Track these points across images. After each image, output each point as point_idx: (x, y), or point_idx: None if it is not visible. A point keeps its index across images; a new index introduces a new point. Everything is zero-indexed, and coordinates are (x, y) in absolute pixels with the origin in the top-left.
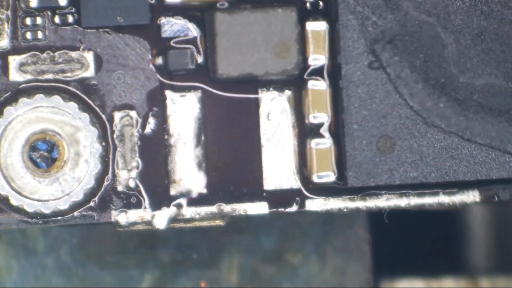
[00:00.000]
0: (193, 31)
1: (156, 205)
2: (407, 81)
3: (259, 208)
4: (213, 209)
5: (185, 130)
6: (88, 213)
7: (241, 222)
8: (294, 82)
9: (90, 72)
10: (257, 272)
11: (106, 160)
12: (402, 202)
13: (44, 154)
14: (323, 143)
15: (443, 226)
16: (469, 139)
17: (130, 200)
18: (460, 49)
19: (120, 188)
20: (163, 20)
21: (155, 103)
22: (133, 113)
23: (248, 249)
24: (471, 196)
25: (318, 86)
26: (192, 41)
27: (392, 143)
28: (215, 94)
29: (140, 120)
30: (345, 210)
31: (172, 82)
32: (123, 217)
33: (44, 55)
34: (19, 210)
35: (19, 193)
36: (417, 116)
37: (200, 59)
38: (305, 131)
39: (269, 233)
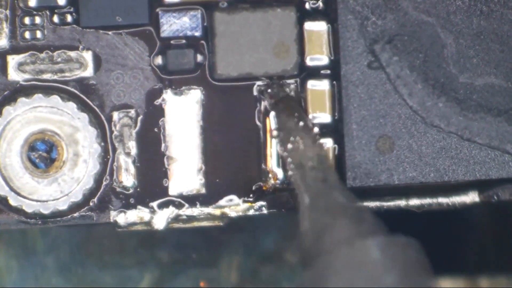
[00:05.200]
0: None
1: (155, 205)
2: (407, 81)
3: (259, 208)
4: (212, 209)
5: (184, 130)
6: (87, 213)
7: (240, 222)
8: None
9: (89, 71)
10: (256, 271)
11: (105, 160)
12: (401, 202)
13: (43, 154)
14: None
15: (442, 226)
16: (469, 138)
17: (129, 201)
18: (459, 49)
19: (119, 188)
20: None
21: (154, 102)
22: (132, 113)
23: (247, 249)
24: (471, 196)
25: (317, 86)
26: (192, 40)
27: (391, 143)
28: (214, 94)
29: (139, 120)
30: None
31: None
32: (122, 218)
33: (43, 54)
34: (18, 211)
35: (18, 194)
36: (417, 116)
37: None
38: None
39: (268, 232)
